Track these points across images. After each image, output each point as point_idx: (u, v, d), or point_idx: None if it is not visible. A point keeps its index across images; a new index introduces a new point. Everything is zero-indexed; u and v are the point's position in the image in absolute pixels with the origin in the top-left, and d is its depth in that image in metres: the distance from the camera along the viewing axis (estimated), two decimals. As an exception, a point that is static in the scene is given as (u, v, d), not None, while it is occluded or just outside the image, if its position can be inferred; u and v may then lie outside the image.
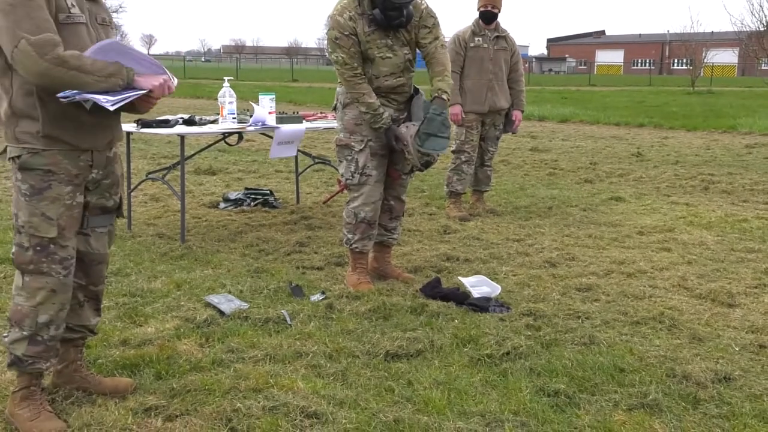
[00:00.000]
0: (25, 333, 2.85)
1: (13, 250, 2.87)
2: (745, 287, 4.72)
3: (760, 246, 5.77)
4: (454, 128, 6.75)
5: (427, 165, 4.54)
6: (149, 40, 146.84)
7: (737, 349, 3.71)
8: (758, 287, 4.74)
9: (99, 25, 2.90)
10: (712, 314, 4.21)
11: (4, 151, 2.84)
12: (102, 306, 3.27)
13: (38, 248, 2.81)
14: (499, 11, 6.75)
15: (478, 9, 6.74)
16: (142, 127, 5.68)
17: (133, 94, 2.76)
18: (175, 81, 2.97)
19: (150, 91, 2.80)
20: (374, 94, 4.41)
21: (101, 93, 2.69)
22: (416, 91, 4.64)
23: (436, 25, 4.49)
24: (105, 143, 2.94)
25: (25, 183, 2.80)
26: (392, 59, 4.43)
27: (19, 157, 2.78)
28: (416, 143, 4.37)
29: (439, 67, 4.46)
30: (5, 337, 2.92)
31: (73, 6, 2.77)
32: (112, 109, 2.68)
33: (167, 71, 2.91)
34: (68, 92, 2.65)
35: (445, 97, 4.44)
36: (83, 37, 2.79)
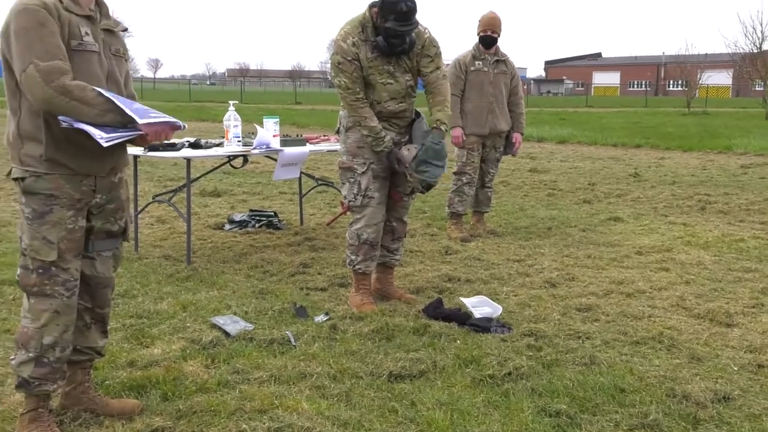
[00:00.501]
0: (31, 355, 2.85)
1: (18, 272, 2.88)
2: (743, 307, 4.71)
3: (756, 266, 5.75)
4: (455, 150, 6.79)
5: (428, 187, 4.55)
6: (155, 64, 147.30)
7: (736, 368, 3.69)
8: (756, 307, 4.72)
9: (113, 56, 2.93)
10: (710, 334, 4.19)
11: (10, 171, 2.85)
12: (109, 328, 3.27)
13: (41, 271, 2.82)
14: (499, 36, 6.78)
15: (478, 34, 6.78)
16: (149, 151, 5.68)
17: (127, 134, 2.77)
18: (185, 127, 2.99)
19: (145, 133, 2.81)
20: (376, 118, 4.43)
21: (98, 127, 2.70)
22: (417, 114, 4.66)
23: (438, 54, 4.52)
24: (108, 169, 2.95)
25: (28, 206, 2.81)
26: (393, 85, 4.46)
27: (23, 179, 2.80)
28: (412, 166, 4.39)
29: (439, 98, 4.50)
30: (12, 359, 2.91)
31: (87, 34, 2.80)
32: (105, 145, 2.69)
33: (177, 122, 2.92)
34: (68, 118, 2.67)
35: (443, 128, 4.50)
36: (94, 65, 2.82)
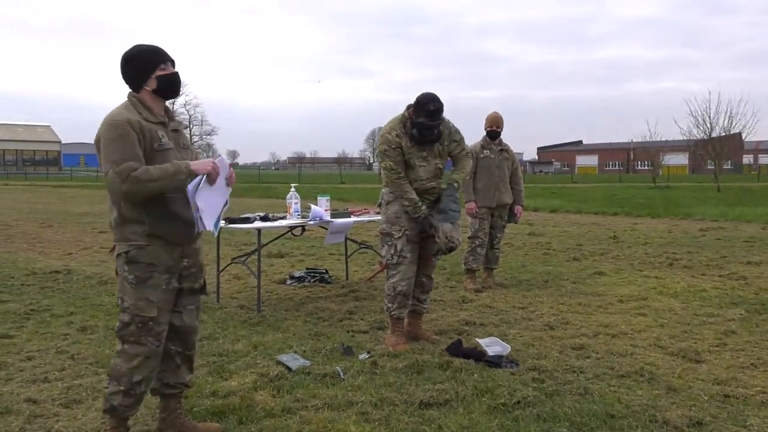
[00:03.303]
0: (122, 388, 2.82)
1: (118, 324, 2.85)
2: (709, 346, 4.54)
3: (718, 311, 5.57)
4: (469, 219, 6.77)
5: (450, 249, 4.51)
6: (233, 155, 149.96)
7: (706, 398, 3.54)
8: (719, 346, 4.55)
9: (182, 149, 2.97)
10: (683, 369, 4.04)
11: (113, 249, 2.85)
12: (195, 365, 3.24)
13: (140, 324, 2.80)
14: (502, 130, 6.83)
15: (486, 129, 6.83)
16: (229, 224, 5.76)
17: (221, 209, 2.93)
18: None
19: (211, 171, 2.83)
20: (414, 192, 4.46)
21: (202, 220, 2.84)
22: (442, 191, 4.68)
23: (462, 139, 4.67)
24: (192, 238, 2.96)
25: (131, 273, 2.79)
26: (426, 167, 4.51)
27: (127, 252, 2.78)
28: (439, 217, 4.45)
29: (459, 165, 4.65)
30: (106, 388, 2.89)
31: (163, 137, 2.85)
32: (212, 229, 2.87)
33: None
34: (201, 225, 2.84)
35: (455, 185, 4.59)
36: (171, 158, 2.84)
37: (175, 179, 2.73)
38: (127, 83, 2.88)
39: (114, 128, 2.70)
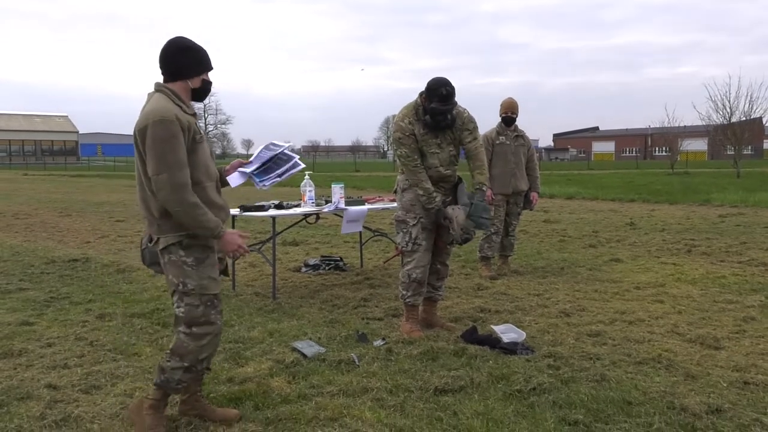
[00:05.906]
0: (186, 364, 2.87)
1: (183, 310, 2.83)
2: (728, 332, 4.49)
3: (737, 298, 5.51)
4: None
5: (465, 241, 4.48)
6: (248, 144, 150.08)
7: (725, 385, 3.51)
8: (739, 333, 4.50)
9: (207, 139, 3.04)
10: (701, 356, 4.00)
11: (157, 242, 2.82)
12: None
13: (208, 303, 2.85)
14: (517, 116, 6.77)
15: (501, 115, 6.78)
16: (243, 212, 5.78)
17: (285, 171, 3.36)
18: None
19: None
20: (430, 182, 4.43)
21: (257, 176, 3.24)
22: (459, 179, 4.64)
23: (475, 128, 4.55)
24: (224, 221, 3.00)
25: (190, 256, 2.80)
26: (440, 154, 4.47)
27: (181, 241, 2.79)
28: (470, 224, 4.38)
29: (478, 162, 4.51)
30: (168, 362, 2.88)
31: (199, 130, 2.89)
32: (265, 187, 3.27)
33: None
34: (264, 181, 3.23)
35: (485, 188, 4.48)
36: (206, 149, 2.91)
37: (199, 228, 2.75)
38: (167, 69, 2.83)
39: (166, 127, 2.65)
